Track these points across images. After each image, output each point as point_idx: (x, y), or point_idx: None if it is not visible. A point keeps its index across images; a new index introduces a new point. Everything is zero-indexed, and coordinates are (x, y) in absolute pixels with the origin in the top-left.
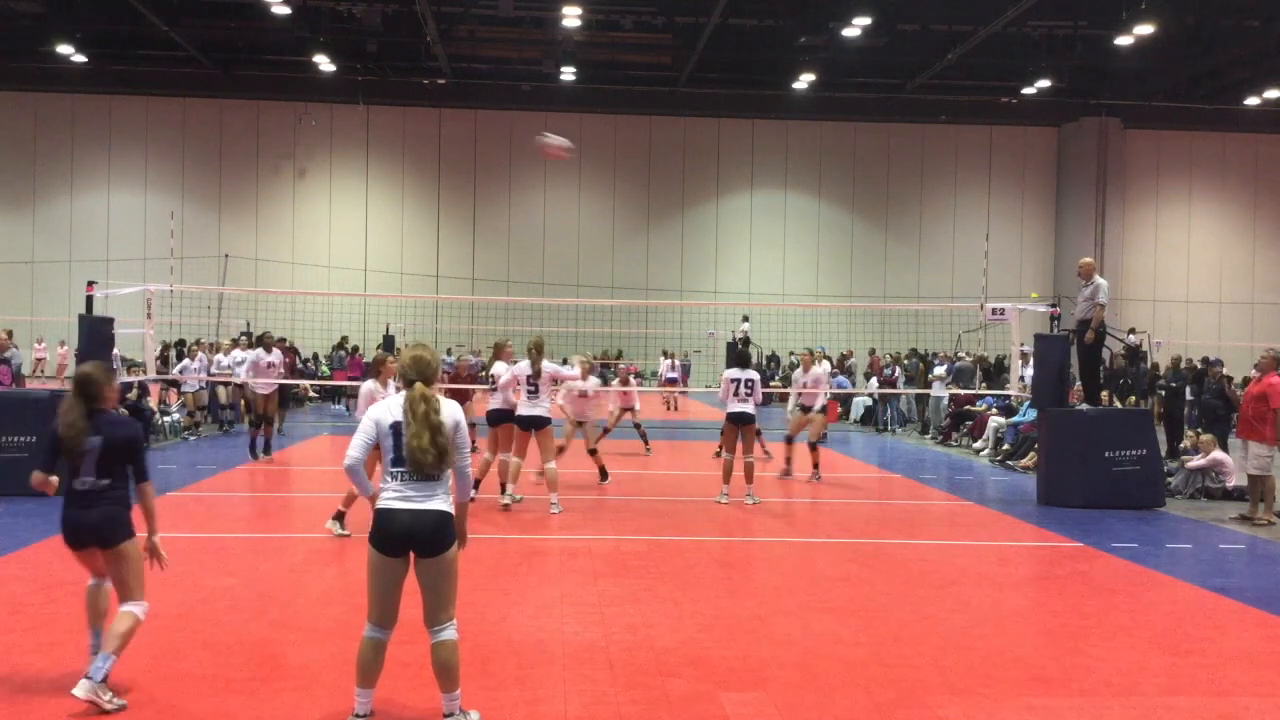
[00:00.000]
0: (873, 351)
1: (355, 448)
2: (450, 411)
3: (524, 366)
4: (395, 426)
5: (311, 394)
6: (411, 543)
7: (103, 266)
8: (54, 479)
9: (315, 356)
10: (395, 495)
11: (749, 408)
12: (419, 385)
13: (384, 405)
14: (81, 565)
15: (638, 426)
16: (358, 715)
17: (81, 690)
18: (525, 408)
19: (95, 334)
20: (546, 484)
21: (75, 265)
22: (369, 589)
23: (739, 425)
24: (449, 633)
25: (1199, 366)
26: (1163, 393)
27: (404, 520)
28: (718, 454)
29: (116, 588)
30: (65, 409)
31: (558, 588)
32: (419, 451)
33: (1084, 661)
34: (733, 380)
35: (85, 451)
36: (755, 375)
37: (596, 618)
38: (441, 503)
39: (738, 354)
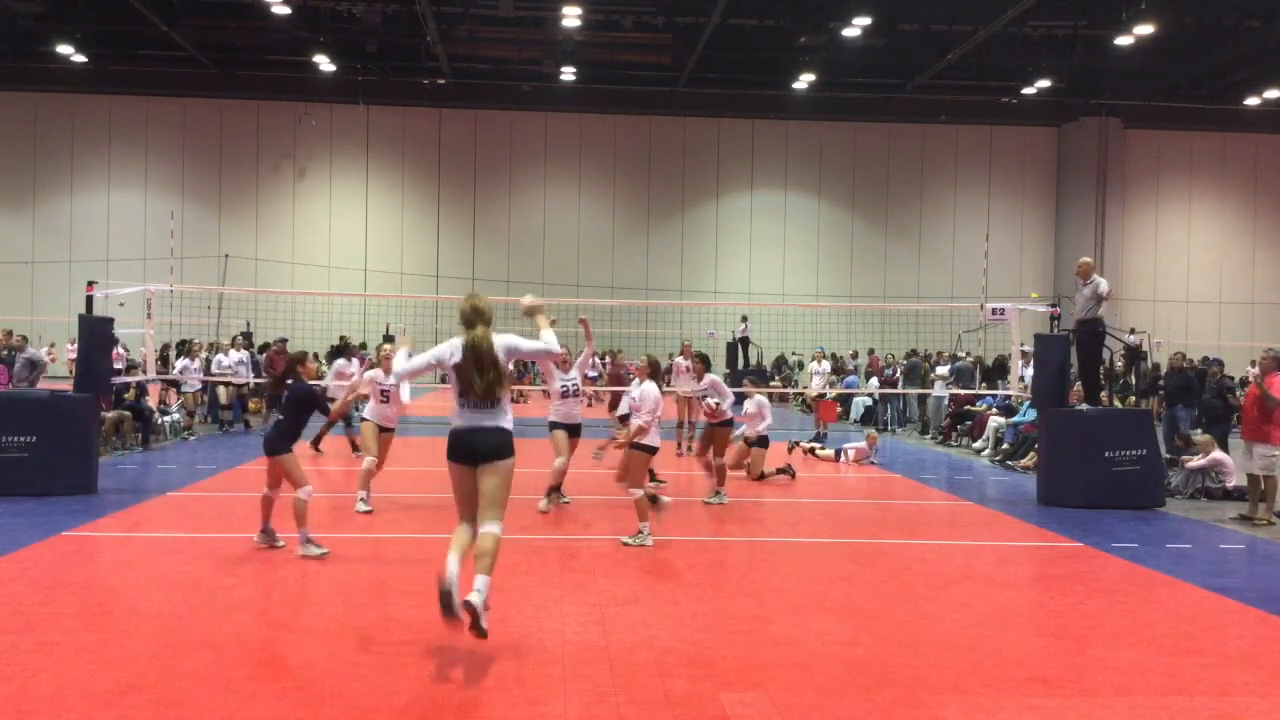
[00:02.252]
0: (871, 351)
1: (409, 361)
2: (502, 344)
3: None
4: (456, 367)
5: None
6: (475, 453)
7: (103, 266)
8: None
9: (316, 355)
10: (462, 419)
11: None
12: (480, 328)
13: (448, 345)
14: (269, 473)
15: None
16: (445, 580)
17: (302, 549)
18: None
19: (95, 334)
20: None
21: (75, 265)
22: (454, 494)
23: (752, 446)
24: (493, 528)
25: (1199, 366)
26: (1162, 393)
27: (469, 437)
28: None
29: (291, 481)
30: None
31: (558, 588)
32: (472, 385)
33: (1084, 661)
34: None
35: (281, 400)
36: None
37: (596, 618)
38: (501, 420)
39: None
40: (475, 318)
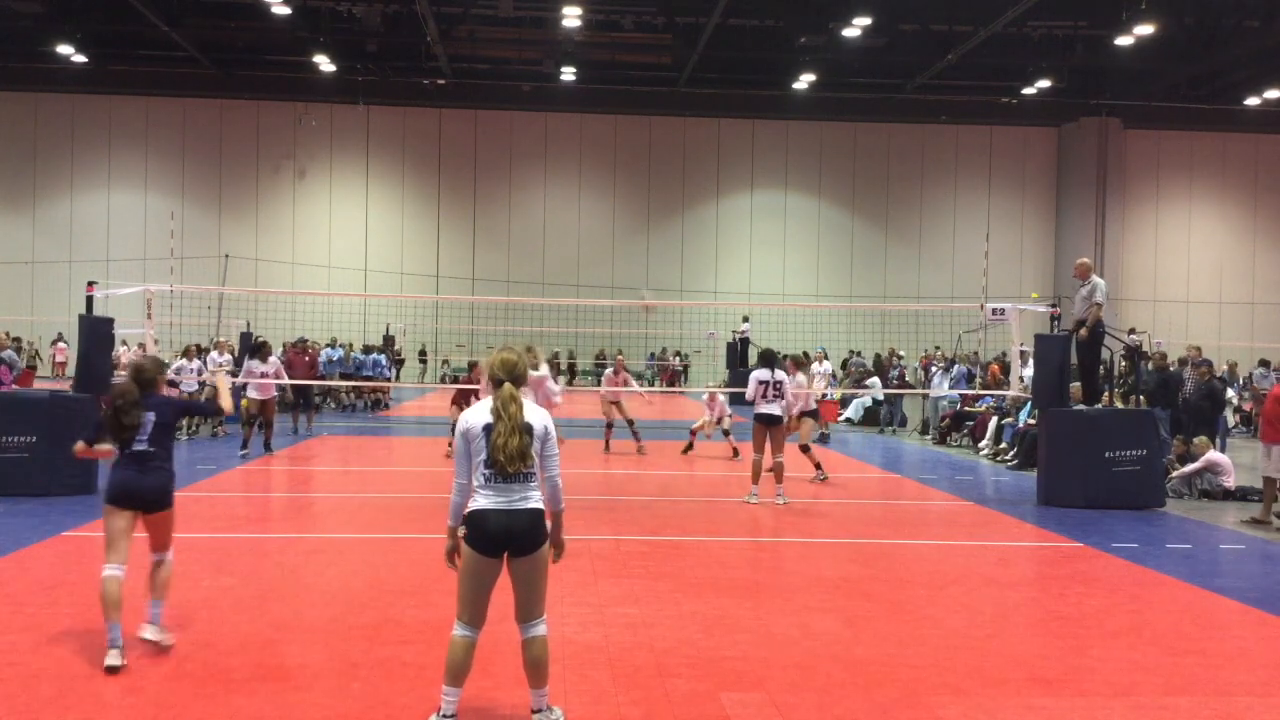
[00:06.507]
0: (876, 355)
1: (459, 473)
2: (539, 417)
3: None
4: (486, 428)
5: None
6: (507, 542)
7: (103, 266)
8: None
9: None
10: (488, 496)
11: (775, 409)
12: (508, 386)
13: (474, 411)
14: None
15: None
16: (445, 715)
17: (149, 633)
18: None
19: (95, 334)
20: None
21: (75, 265)
22: (461, 589)
23: (767, 426)
24: (541, 629)
25: (1171, 368)
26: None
27: (499, 520)
28: (685, 451)
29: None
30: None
31: (558, 588)
32: (503, 450)
33: (1084, 661)
34: (761, 382)
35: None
36: (783, 376)
37: (596, 618)
38: (534, 501)
39: (764, 355)
40: (506, 375)
